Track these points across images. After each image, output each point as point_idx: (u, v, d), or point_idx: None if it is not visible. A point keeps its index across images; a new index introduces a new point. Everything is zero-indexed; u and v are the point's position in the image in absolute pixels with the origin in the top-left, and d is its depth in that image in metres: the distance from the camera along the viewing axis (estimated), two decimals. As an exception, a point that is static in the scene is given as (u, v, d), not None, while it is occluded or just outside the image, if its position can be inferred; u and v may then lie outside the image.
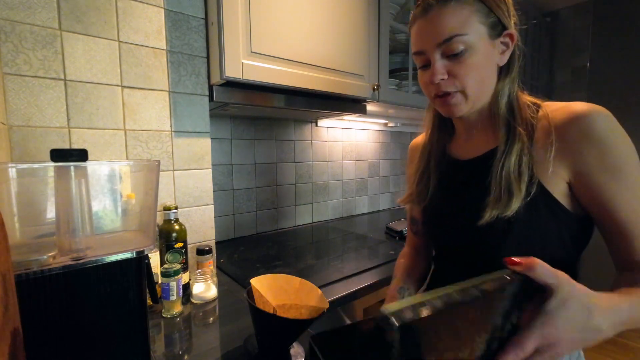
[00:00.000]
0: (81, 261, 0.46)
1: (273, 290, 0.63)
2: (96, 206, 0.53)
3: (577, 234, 0.53)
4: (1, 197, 0.45)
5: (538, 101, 0.57)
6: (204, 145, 0.98)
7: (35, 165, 0.49)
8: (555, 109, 0.53)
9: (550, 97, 2.81)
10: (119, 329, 0.51)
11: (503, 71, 0.57)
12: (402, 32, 1.46)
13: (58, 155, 0.46)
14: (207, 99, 0.97)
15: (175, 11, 0.90)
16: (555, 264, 0.47)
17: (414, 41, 0.58)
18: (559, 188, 0.51)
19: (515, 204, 0.50)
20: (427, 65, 0.57)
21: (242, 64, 0.90)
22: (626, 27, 2.37)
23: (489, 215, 0.52)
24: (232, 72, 0.88)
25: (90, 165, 0.49)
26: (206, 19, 0.94)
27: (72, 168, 0.47)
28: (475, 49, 0.53)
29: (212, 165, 1.01)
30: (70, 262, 0.45)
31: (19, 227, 0.48)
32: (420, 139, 0.77)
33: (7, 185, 0.45)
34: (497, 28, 0.54)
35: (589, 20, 2.53)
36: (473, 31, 0.52)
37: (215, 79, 0.92)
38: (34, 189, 0.49)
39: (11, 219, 0.47)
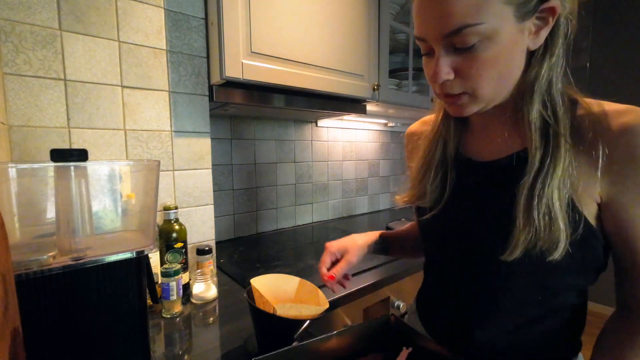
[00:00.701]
0: (81, 261, 0.46)
1: (273, 290, 0.63)
2: (96, 206, 0.53)
3: (602, 260, 0.45)
4: (1, 197, 0.45)
5: (574, 94, 0.45)
6: (204, 145, 0.98)
7: (35, 165, 0.49)
8: (603, 112, 0.42)
9: (550, 97, 2.81)
10: (119, 329, 0.51)
11: (537, 54, 0.43)
12: (402, 32, 1.46)
13: (58, 155, 0.46)
14: (207, 99, 0.97)
15: (175, 11, 0.90)
16: (569, 290, 0.48)
17: (415, 23, 0.44)
18: (591, 210, 0.42)
19: (562, 244, 0.40)
20: (431, 52, 0.44)
21: (242, 64, 0.90)
22: (626, 27, 2.37)
23: (519, 253, 0.42)
24: (232, 72, 0.88)
25: (90, 165, 0.49)
26: (206, 19, 0.94)
27: (72, 168, 0.47)
28: (495, 39, 0.39)
29: (212, 165, 1.01)
30: (70, 262, 0.45)
31: (19, 227, 0.48)
32: (419, 125, 0.65)
33: (7, 185, 0.45)
34: (531, 2, 0.39)
35: (589, 20, 2.53)
36: (492, 16, 0.38)
37: (215, 79, 0.92)
38: (34, 189, 0.49)
39: (11, 219, 0.47)
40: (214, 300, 0.84)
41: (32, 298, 0.43)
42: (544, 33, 0.41)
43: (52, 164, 0.46)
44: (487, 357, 0.50)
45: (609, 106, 0.42)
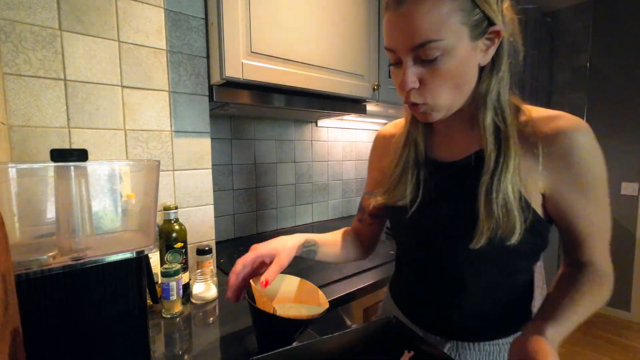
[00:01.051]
0: (81, 261, 0.46)
1: (273, 290, 0.63)
2: (96, 206, 0.53)
3: (546, 242, 0.54)
4: (1, 197, 0.45)
5: (517, 102, 0.53)
6: (204, 145, 0.98)
7: (35, 165, 0.49)
8: (539, 117, 0.50)
9: (550, 97, 2.82)
10: (119, 329, 0.51)
11: (486, 70, 0.50)
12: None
13: (58, 155, 0.46)
14: (207, 99, 0.97)
15: (175, 11, 0.90)
16: (523, 270, 0.58)
17: (385, 35, 0.50)
18: (537, 201, 0.51)
19: (518, 230, 0.48)
20: (399, 63, 0.50)
21: (242, 64, 0.90)
22: (626, 27, 2.37)
23: (484, 241, 0.49)
24: (232, 72, 0.88)
25: (90, 165, 0.49)
26: (206, 19, 0.94)
27: (72, 168, 0.47)
28: (453, 54, 0.46)
29: (212, 165, 1.01)
30: (70, 262, 0.45)
31: (19, 227, 0.48)
32: (390, 128, 0.70)
33: (7, 185, 0.45)
34: (482, 25, 0.46)
35: (589, 20, 2.53)
36: (451, 34, 0.45)
37: (215, 79, 0.92)
38: (34, 189, 0.49)
39: (11, 219, 0.47)
40: (214, 300, 0.84)
41: (32, 298, 0.43)
42: (492, 51, 0.49)
43: (52, 164, 0.46)
44: (460, 333, 0.59)
45: (544, 112, 0.51)
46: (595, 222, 0.51)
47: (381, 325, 0.53)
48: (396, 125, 0.70)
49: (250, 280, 0.61)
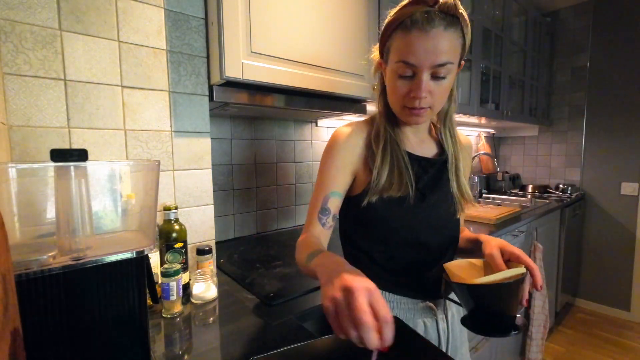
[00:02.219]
0: (81, 261, 0.46)
1: (465, 271, 0.64)
2: (96, 206, 0.53)
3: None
4: (1, 197, 0.45)
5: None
6: (204, 145, 0.98)
7: (35, 165, 0.49)
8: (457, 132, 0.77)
9: (550, 97, 2.82)
10: (119, 329, 0.51)
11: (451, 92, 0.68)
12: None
13: (58, 155, 0.46)
14: (207, 99, 0.97)
15: (175, 11, 0.90)
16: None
17: (410, 52, 0.58)
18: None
19: (469, 204, 0.75)
20: (408, 77, 0.61)
21: (242, 64, 0.90)
22: (626, 26, 2.37)
23: (459, 212, 0.73)
24: (232, 72, 0.88)
25: (90, 165, 0.49)
26: (206, 18, 0.94)
27: (72, 168, 0.47)
28: (452, 73, 0.62)
29: (212, 165, 1.01)
30: (70, 262, 0.45)
31: (19, 227, 0.48)
32: (353, 128, 0.71)
33: (7, 185, 0.45)
34: (462, 57, 0.63)
35: (589, 20, 2.53)
36: (455, 59, 0.60)
37: (215, 79, 0.92)
38: (34, 189, 0.49)
39: (11, 219, 0.47)
40: (214, 300, 0.84)
41: (32, 298, 0.43)
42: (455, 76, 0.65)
43: (52, 164, 0.46)
44: (432, 288, 0.72)
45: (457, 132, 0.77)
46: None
47: None
48: (358, 125, 0.72)
49: (445, 265, 0.65)
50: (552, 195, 2.49)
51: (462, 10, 0.58)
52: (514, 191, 2.74)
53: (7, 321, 0.33)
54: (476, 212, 1.73)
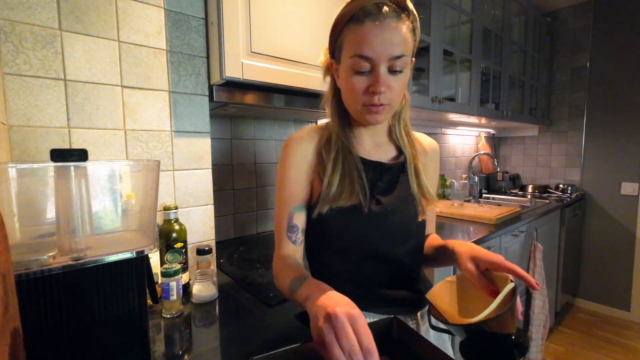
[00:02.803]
0: (81, 261, 0.46)
1: (448, 295, 0.59)
2: (96, 206, 0.53)
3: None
4: (1, 197, 0.45)
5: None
6: (204, 145, 0.98)
7: (35, 165, 0.49)
8: (414, 134, 0.75)
9: (550, 97, 2.82)
10: (119, 329, 0.51)
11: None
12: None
13: (58, 155, 0.46)
14: (207, 99, 0.97)
15: (175, 11, 0.90)
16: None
17: (365, 44, 0.56)
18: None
19: (432, 204, 0.70)
20: (365, 72, 0.58)
21: (242, 64, 0.90)
22: (626, 26, 2.37)
23: (421, 216, 0.68)
24: (232, 72, 0.88)
25: (90, 165, 0.49)
26: (206, 18, 0.94)
27: (72, 168, 0.47)
28: (407, 68, 0.60)
29: (212, 165, 1.01)
30: (70, 262, 0.45)
31: (19, 227, 0.48)
32: (301, 136, 0.68)
33: (7, 185, 0.45)
34: (413, 53, 0.61)
35: (589, 20, 2.53)
36: (409, 53, 0.59)
37: (215, 79, 0.92)
38: (34, 189, 0.49)
39: (11, 219, 0.47)
40: (214, 300, 0.84)
41: (32, 298, 0.43)
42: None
43: (52, 164, 0.46)
44: (401, 302, 0.69)
45: (419, 135, 0.77)
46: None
47: (381, 325, 0.53)
48: (309, 132, 0.69)
49: (428, 298, 0.58)
50: (552, 195, 2.49)
51: (411, 6, 0.58)
52: (514, 191, 2.74)
53: (7, 321, 0.33)
54: (476, 212, 1.73)
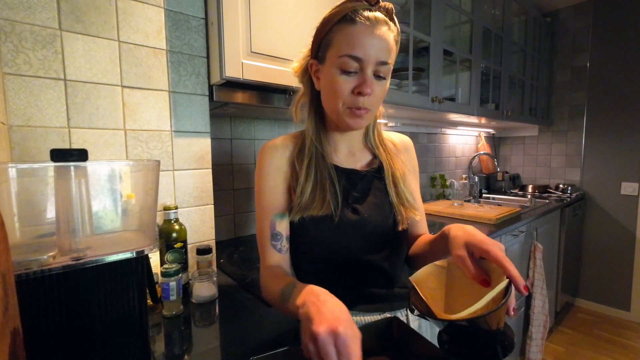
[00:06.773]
0: (81, 261, 0.46)
1: (435, 282, 0.54)
2: (96, 206, 0.53)
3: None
4: (1, 197, 0.45)
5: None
6: (204, 145, 0.98)
7: (35, 165, 0.49)
8: (387, 136, 0.77)
9: (550, 97, 2.82)
10: (119, 329, 0.51)
11: None
12: (403, 32, 1.46)
13: (58, 155, 0.46)
14: (207, 98, 0.97)
15: (175, 11, 0.90)
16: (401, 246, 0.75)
17: (356, 44, 0.56)
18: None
19: (414, 212, 0.68)
20: (352, 73, 0.58)
21: (242, 63, 0.90)
22: (626, 27, 2.37)
23: (401, 225, 0.66)
24: (232, 72, 0.88)
25: (90, 165, 0.49)
26: (206, 18, 0.94)
27: (72, 168, 0.47)
28: (388, 77, 0.62)
29: (212, 165, 1.01)
30: (70, 262, 0.45)
31: (19, 227, 0.48)
32: (275, 144, 0.69)
33: (7, 185, 0.45)
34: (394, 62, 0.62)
35: (589, 20, 2.53)
36: (392, 62, 0.61)
37: (215, 78, 0.92)
38: (34, 189, 0.49)
39: (11, 219, 0.47)
40: (214, 300, 0.84)
41: (32, 298, 0.43)
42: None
43: (52, 164, 0.46)
44: (385, 301, 0.68)
45: (391, 134, 0.78)
46: (418, 199, 0.75)
47: (381, 325, 0.53)
48: (284, 140, 0.70)
49: (412, 280, 0.54)
50: (552, 195, 2.49)
51: (395, 18, 0.61)
52: (514, 191, 2.74)
53: (7, 321, 0.33)
54: (476, 212, 1.74)
